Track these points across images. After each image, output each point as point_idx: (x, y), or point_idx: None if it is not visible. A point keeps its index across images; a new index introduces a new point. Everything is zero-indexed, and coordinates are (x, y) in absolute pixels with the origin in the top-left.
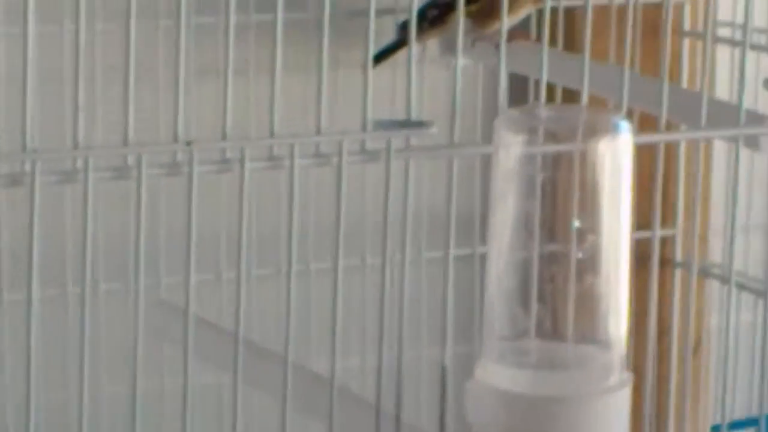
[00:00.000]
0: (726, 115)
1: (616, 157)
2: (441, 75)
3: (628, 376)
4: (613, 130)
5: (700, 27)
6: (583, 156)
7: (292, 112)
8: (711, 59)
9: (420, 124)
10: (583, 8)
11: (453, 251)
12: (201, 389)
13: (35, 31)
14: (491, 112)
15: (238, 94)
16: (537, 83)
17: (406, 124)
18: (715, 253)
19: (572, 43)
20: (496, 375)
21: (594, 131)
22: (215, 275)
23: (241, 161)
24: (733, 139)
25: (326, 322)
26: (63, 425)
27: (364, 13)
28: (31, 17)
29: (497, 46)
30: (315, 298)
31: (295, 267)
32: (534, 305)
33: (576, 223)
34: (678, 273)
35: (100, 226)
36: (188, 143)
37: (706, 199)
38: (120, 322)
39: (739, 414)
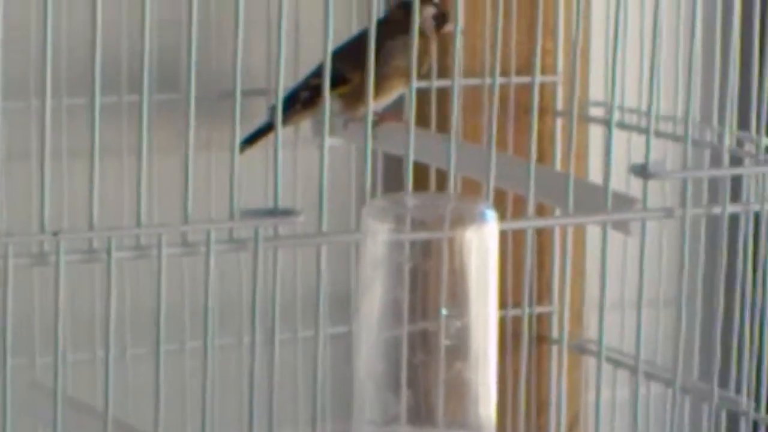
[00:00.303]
0: (596, 197)
1: (482, 244)
2: (315, 156)
3: None
4: (480, 218)
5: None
6: (450, 244)
7: (166, 197)
8: (584, 139)
9: (288, 213)
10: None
11: (329, 330)
12: None
13: None
14: (364, 194)
15: (111, 178)
16: (414, 164)
17: (274, 212)
18: (592, 330)
19: (445, 124)
20: None
21: (461, 219)
22: (91, 355)
23: (108, 251)
24: (602, 224)
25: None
26: None
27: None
28: None
29: (376, 124)
30: (190, 376)
31: (170, 347)
32: (404, 391)
33: (444, 311)
34: (555, 349)
35: None
36: (55, 233)
37: (581, 276)
38: None
39: None
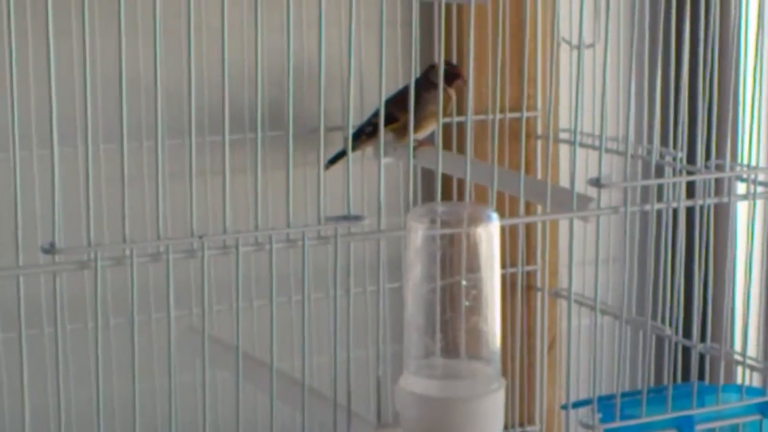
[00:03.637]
0: (565, 198)
1: (489, 237)
2: (375, 170)
3: (502, 382)
4: (487, 218)
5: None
6: (467, 237)
7: (274, 204)
8: (555, 155)
9: (357, 218)
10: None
11: (387, 286)
12: None
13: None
14: (408, 196)
15: (239, 192)
16: (441, 175)
17: (347, 217)
18: (563, 281)
19: (462, 148)
20: (414, 383)
21: (474, 219)
22: (228, 307)
23: (236, 248)
24: (570, 218)
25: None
26: None
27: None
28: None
29: (416, 149)
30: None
31: (281, 299)
32: (438, 336)
33: (464, 282)
34: (539, 295)
35: None
36: (200, 236)
37: (555, 246)
38: None
39: (583, 395)
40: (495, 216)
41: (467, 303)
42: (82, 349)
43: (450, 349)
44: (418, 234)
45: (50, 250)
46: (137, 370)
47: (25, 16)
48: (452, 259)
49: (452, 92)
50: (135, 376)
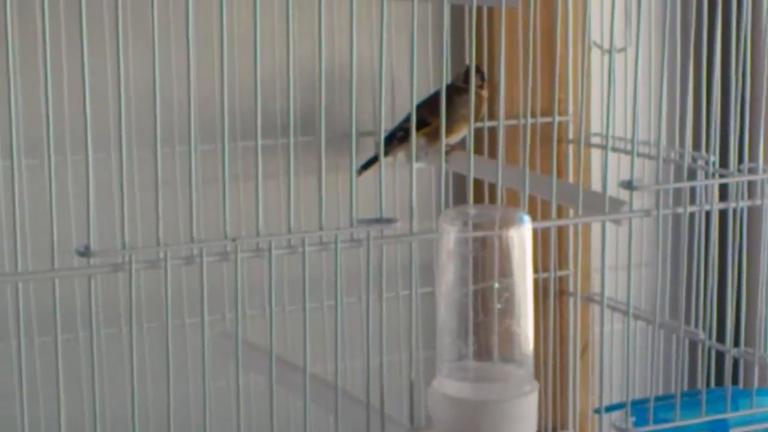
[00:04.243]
0: (597, 201)
1: (521, 239)
2: (407, 175)
3: (535, 385)
4: (519, 221)
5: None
6: (500, 239)
7: (307, 209)
8: (587, 159)
9: (389, 220)
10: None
11: (420, 290)
12: None
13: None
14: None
15: (272, 197)
16: (473, 180)
17: (380, 220)
18: (596, 286)
19: (494, 152)
20: (447, 386)
21: (506, 222)
22: (261, 311)
23: (269, 250)
24: (602, 221)
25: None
26: None
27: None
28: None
29: (448, 153)
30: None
31: (313, 304)
32: (471, 339)
33: (496, 284)
34: (571, 300)
35: None
36: (234, 239)
37: (587, 251)
38: None
39: (616, 399)
40: (527, 218)
41: (500, 306)
42: (117, 353)
43: (483, 352)
44: (450, 237)
45: (85, 252)
46: (171, 375)
47: (59, 23)
48: (484, 262)
49: (485, 93)
50: (169, 381)
